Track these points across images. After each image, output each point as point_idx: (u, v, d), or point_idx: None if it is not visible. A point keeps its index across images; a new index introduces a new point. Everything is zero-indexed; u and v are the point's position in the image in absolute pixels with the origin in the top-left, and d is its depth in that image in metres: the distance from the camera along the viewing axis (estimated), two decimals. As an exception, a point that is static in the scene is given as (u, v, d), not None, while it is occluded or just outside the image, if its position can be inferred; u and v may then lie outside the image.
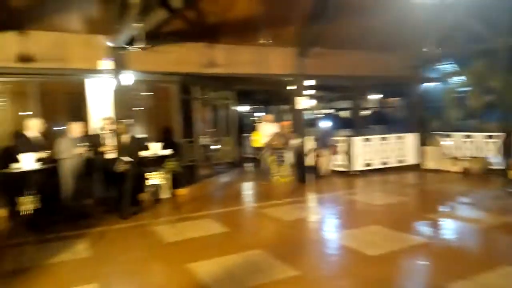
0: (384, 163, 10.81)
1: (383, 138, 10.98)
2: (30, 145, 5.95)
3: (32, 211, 5.46)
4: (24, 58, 7.14)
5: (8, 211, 6.41)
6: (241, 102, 19.37)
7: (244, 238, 5.42)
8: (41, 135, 6.33)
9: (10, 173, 5.31)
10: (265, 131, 9.77)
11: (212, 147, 11.20)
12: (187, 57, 8.69)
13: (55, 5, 6.90)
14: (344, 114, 21.51)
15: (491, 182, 8.70)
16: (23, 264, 4.52)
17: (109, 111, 7.88)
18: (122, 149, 6.69)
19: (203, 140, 10.64)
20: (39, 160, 5.56)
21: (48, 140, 6.44)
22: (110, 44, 7.57)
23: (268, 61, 9.58)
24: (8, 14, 6.80)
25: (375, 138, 10.85)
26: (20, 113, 7.54)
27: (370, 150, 10.57)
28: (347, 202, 7.78)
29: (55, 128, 7.66)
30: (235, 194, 8.66)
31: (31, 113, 7.37)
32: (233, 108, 12.11)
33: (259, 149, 10.08)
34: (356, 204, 7.49)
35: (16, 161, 5.41)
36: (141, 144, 7.26)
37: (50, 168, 5.91)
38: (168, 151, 7.46)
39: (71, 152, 6.32)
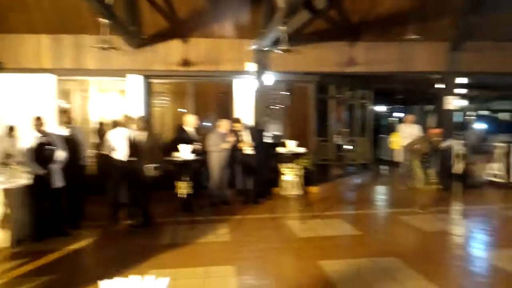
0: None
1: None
2: (188, 138, 6.87)
3: (186, 195, 6.32)
4: (185, 63, 8.27)
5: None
6: (379, 101, 18.57)
7: (377, 243, 5.22)
8: (195, 130, 7.23)
9: (173, 160, 6.25)
10: (405, 132, 9.15)
11: (345, 147, 11.03)
12: (325, 56, 8.74)
13: (212, 14, 7.78)
14: (503, 116, 18.69)
15: None
16: (177, 240, 5.27)
17: (251, 110, 8.51)
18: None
19: (337, 140, 10.56)
20: (193, 151, 6.39)
21: (200, 134, 7.31)
22: (255, 47, 8.15)
23: (413, 58, 8.93)
24: (175, 24, 7.96)
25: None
26: (178, 110, 8.77)
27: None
28: (502, 217, 6.75)
29: (206, 124, 8.65)
30: (368, 196, 8.37)
31: (186, 110, 8.50)
32: (369, 107, 11.68)
33: (399, 151, 9.50)
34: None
35: (177, 150, 6.32)
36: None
37: (202, 159, 6.74)
38: (302, 149, 7.66)
39: (219, 146, 7.05)
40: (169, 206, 6.74)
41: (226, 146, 7.08)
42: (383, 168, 12.00)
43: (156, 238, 5.38)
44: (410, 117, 9.59)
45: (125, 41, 7.55)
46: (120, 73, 8.24)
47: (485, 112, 18.18)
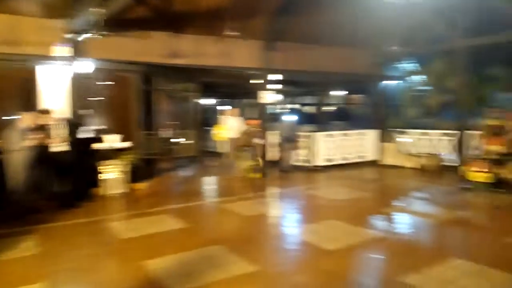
0: (345, 159, 11.03)
1: (345, 134, 11.19)
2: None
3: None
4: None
5: None
6: (206, 94, 19.11)
7: (202, 234, 5.31)
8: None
9: None
10: (229, 125, 9.65)
11: (173, 140, 10.95)
12: (150, 46, 8.41)
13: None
14: (308, 109, 21.70)
15: (445, 178, 9.08)
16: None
17: (64, 100, 7.48)
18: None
19: (164, 133, 10.37)
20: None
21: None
22: (66, 29, 7.16)
23: (234, 54, 9.45)
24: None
25: (337, 134, 11.05)
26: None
27: (332, 146, 10.75)
28: (308, 197, 7.85)
29: (3, 118, 7.18)
30: (196, 189, 8.51)
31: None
32: (196, 100, 11.87)
33: (222, 143, 9.97)
34: (317, 199, 7.57)
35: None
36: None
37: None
38: (125, 144, 7.19)
39: (20, 144, 5.93)
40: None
41: (31, 143, 6.02)
42: (210, 160, 12.46)
43: None
44: (233, 110, 10.18)
45: None
46: None
47: (295, 106, 20.83)
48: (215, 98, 21.63)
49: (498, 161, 7.42)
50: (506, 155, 7.47)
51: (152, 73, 9.44)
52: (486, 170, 7.37)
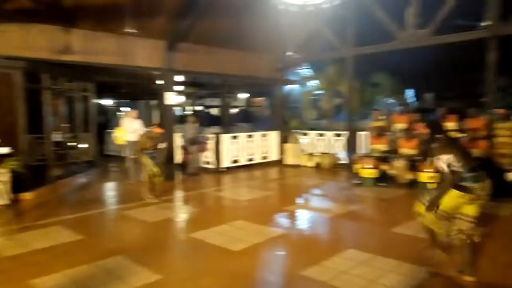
0: (250, 160, 11.33)
1: (249, 136, 11.48)
2: None
3: None
4: None
5: None
6: (105, 95, 17.91)
7: (100, 245, 4.93)
8: None
9: None
10: (128, 127, 9.18)
11: (68, 144, 10.00)
12: (35, 40, 7.52)
13: None
14: (213, 111, 21.77)
15: (339, 175, 9.89)
16: None
17: None
18: None
19: (56, 136, 9.40)
20: None
21: None
22: None
23: (134, 53, 8.97)
24: None
25: (242, 136, 11.28)
26: None
27: (237, 147, 10.93)
28: (214, 199, 7.86)
29: None
30: (94, 196, 7.89)
31: None
32: (93, 101, 11.02)
33: (122, 146, 9.42)
34: (223, 201, 7.62)
35: None
36: None
37: None
38: (5, 149, 6.34)
39: None
40: None
41: None
42: (111, 164, 11.70)
43: None
44: (132, 112, 9.70)
45: None
46: None
47: (200, 108, 20.71)
48: (115, 99, 20.42)
49: (382, 158, 8.34)
50: (389, 153, 8.43)
51: (40, 70, 8.47)
52: (372, 166, 8.21)
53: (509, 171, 7.20)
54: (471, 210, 3.57)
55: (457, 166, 3.54)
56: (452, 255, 3.80)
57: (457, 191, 3.54)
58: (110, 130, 14.87)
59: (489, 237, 4.78)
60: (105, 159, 12.32)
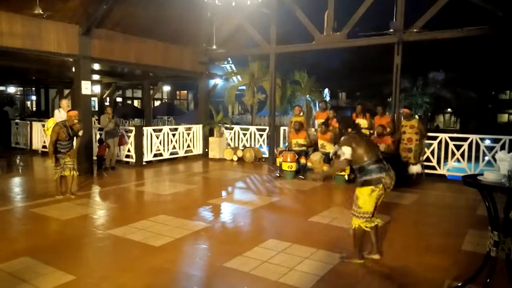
0: (173, 153, 11.11)
1: (173, 129, 11.25)
2: None
3: None
4: None
5: None
6: (9, 82, 16.16)
7: (4, 246, 4.46)
8: None
9: None
10: (59, 118, 8.43)
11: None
12: None
13: None
14: (135, 103, 20.91)
15: (262, 169, 10.15)
16: None
17: None
18: None
19: None
20: None
21: None
22: None
23: (44, 37, 8.21)
24: None
25: (165, 129, 11.01)
26: None
27: (160, 141, 10.63)
28: (134, 193, 7.58)
29: None
30: (-4, 193, 7.12)
31: None
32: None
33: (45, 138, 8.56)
34: (144, 195, 7.37)
35: None
36: None
37: None
38: None
39: None
40: None
41: None
42: (17, 157, 10.66)
43: None
44: (65, 101, 8.90)
45: None
46: None
47: (120, 99, 19.72)
48: (24, 87, 18.60)
49: (300, 152, 8.75)
50: (306, 147, 8.88)
51: None
52: (291, 160, 8.58)
53: (413, 164, 8.05)
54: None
55: (363, 160, 3.85)
56: (363, 243, 4.15)
57: (367, 187, 3.84)
58: (18, 121, 13.66)
59: (390, 223, 5.32)
60: (14, 152, 11.30)
